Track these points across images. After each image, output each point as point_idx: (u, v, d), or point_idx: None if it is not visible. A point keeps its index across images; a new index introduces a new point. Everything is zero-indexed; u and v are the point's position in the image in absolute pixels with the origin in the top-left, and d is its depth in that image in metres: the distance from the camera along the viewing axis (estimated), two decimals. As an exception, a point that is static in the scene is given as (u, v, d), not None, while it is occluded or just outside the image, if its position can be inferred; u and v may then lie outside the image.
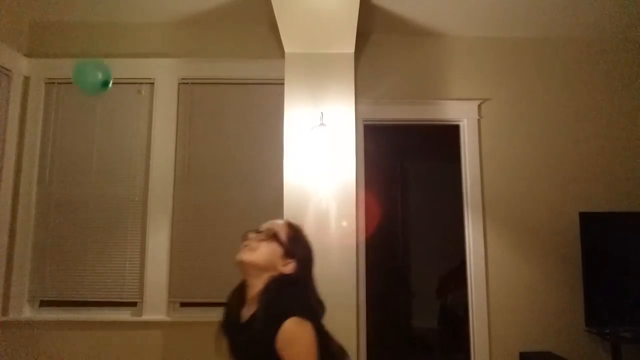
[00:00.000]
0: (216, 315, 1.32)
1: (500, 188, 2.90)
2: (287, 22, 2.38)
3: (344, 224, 2.49)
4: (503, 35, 3.04)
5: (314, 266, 1.30)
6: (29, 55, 2.92)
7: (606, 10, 2.74)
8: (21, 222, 2.77)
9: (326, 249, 2.45)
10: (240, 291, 1.27)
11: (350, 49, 2.61)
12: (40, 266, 2.76)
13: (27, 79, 2.89)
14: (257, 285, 1.20)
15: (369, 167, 2.94)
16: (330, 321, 2.53)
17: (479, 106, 2.97)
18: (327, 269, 2.44)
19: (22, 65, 2.87)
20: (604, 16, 2.80)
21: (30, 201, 2.80)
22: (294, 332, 1.07)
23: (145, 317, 2.69)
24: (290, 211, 2.48)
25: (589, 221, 2.68)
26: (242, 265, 1.22)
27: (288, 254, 1.23)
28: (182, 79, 2.93)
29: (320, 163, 2.51)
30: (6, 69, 2.75)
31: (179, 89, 2.92)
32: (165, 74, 2.92)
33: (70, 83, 2.89)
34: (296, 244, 1.27)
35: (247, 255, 1.21)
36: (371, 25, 2.93)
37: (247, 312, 1.21)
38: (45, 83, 2.91)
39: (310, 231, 2.44)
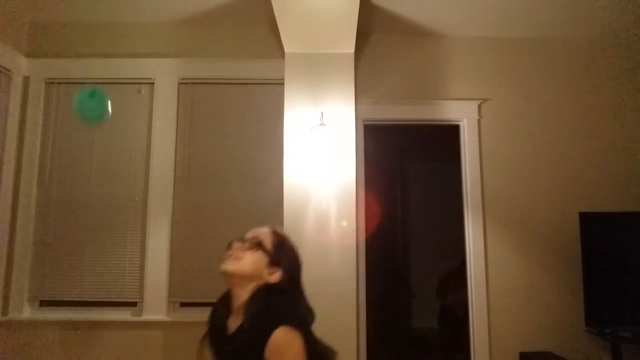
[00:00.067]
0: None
1: (500, 188, 2.90)
2: (287, 22, 2.38)
3: (344, 224, 2.49)
4: (503, 35, 3.04)
5: (301, 273, 1.27)
6: (29, 55, 2.92)
7: (606, 10, 2.74)
8: (21, 222, 2.77)
9: (326, 249, 2.46)
10: (225, 300, 1.25)
11: (350, 49, 2.61)
12: (40, 266, 2.76)
13: (27, 79, 2.89)
14: (242, 295, 1.18)
15: (369, 167, 2.94)
16: (330, 321, 2.53)
17: (479, 106, 2.97)
18: (327, 269, 2.45)
19: (22, 65, 2.87)
20: (604, 16, 2.80)
21: (30, 201, 2.80)
22: (283, 342, 1.06)
23: (145, 317, 2.69)
24: (290, 211, 2.48)
25: (589, 221, 2.68)
26: (227, 276, 1.20)
27: (273, 262, 1.21)
28: (182, 79, 2.93)
29: (320, 163, 2.51)
30: (6, 69, 2.75)
31: (179, 89, 2.92)
32: (165, 74, 2.92)
33: (70, 83, 2.92)
34: (281, 251, 1.25)
35: (232, 265, 1.19)
36: (371, 25, 2.93)
37: (233, 322, 1.19)
38: (45, 83, 2.91)
39: (310, 231, 2.47)
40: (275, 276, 1.20)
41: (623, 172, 2.93)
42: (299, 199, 2.50)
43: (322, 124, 2.49)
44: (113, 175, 2.85)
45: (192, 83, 2.94)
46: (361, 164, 2.86)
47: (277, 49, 2.88)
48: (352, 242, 2.49)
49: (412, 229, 5.44)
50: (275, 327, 1.07)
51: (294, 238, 2.37)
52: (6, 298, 2.70)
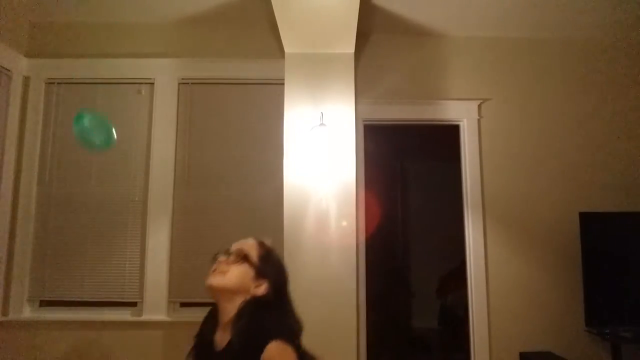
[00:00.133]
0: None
1: (500, 188, 2.90)
2: (287, 22, 2.38)
3: (344, 224, 2.49)
4: (503, 35, 3.04)
5: (287, 284, 1.25)
6: (29, 55, 2.92)
7: (606, 11, 2.74)
8: (21, 222, 2.77)
9: (326, 249, 2.46)
10: (213, 315, 1.23)
11: (350, 49, 2.61)
12: (40, 266, 2.76)
13: (27, 79, 2.89)
14: (230, 309, 1.16)
15: (369, 167, 2.94)
16: (330, 321, 2.53)
17: (479, 106, 2.97)
18: (327, 268, 2.45)
19: (22, 65, 2.87)
20: (604, 16, 2.80)
21: (30, 201, 2.80)
22: (278, 357, 1.05)
23: (145, 317, 2.69)
24: (290, 211, 2.48)
25: (589, 221, 2.68)
26: (213, 290, 1.18)
27: (260, 275, 1.19)
28: (182, 79, 2.93)
29: (320, 163, 2.51)
30: (6, 69, 2.75)
31: (179, 89, 2.92)
32: (165, 74, 2.92)
33: (70, 83, 2.92)
34: (267, 263, 1.22)
35: (217, 280, 1.17)
36: (371, 25, 2.93)
37: (221, 338, 1.17)
38: (45, 83, 2.91)
39: (310, 231, 2.47)
40: (262, 289, 1.18)
41: (623, 172, 2.93)
42: (299, 199, 2.50)
43: (322, 124, 2.49)
44: (113, 175, 2.85)
45: (192, 83, 2.94)
46: (361, 164, 2.86)
47: (277, 49, 2.88)
48: (352, 242, 2.49)
49: (412, 229, 5.44)
50: (267, 342, 1.05)
51: (293, 238, 2.37)
52: (6, 298, 2.70)
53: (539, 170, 2.92)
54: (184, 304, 2.76)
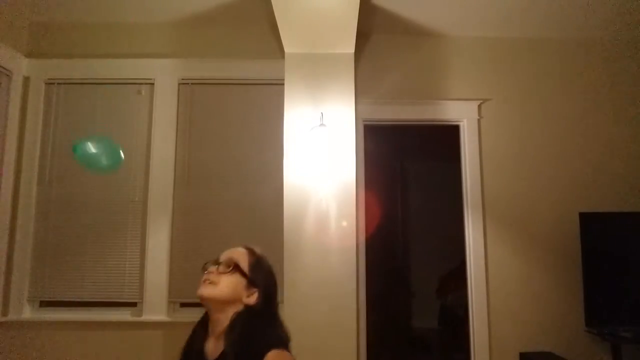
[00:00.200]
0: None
1: (500, 188, 2.90)
2: (287, 22, 2.38)
3: (344, 224, 2.48)
4: (503, 35, 3.04)
5: (277, 293, 1.24)
6: (29, 55, 2.92)
7: (606, 11, 2.74)
8: (21, 222, 2.77)
9: (326, 249, 2.45)
10: (203, 325, 1.22)
11: (350, 49, 2.60)
12: (40, 266, 2.76)
13: (27, 79, 2.89)
14: (222, 319, 1.15)
15: (369, 167, 2.94)
16: (330, 321, 2.53)
17: (479, 106, 2.97)
18: (327, 269, 2.45)
19: (22, 65, 2.87)
20: (604, 16, 2.80)
21: (30, 201, 2.80)
22: None
23: (145, 317, 2.69)
24: (290, 211, 2.48)
25: (589, 221, 2.68)
26: (204, 301, 1.17)
27: (251, 283, 1.18)
28: (182, 79, 2.93)
29: (320, 163, 2.51)
30: (6, 69, 2.75)
31: (179, 90, 2.92)
32: (165, 74, 2.92)
33: (70, 83, 2.92)
34: (258, 271, 1.21)
35: (209, 291, 1.15)
36: (371, 25, 2.93)
37: (213, 348, 1.15)
38: (45, 83, 2.91)
39: (310, 231, 2.47)
40: (253, 297, 1.17)
41: (623, 172, 2.93)
42: (299, 199, 2.50)
43: (322, 124, 2.49)
44: (113, 175, 2.84)
45: (192, 83, 2.93)
46: (361, 164, 2.86)
47: (277, 49, 2.88)
48: (352, 242, 2.49)
49: (412, 229, 5.44)
50: (264, 351, 1.04)
51: (293, 238, 2.37)
52: (6, 298, 2.70)
53: (539, 170, 2.92)
54: (184, 304, 2.76)
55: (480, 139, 2.95)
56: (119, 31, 2.97)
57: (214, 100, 2.93)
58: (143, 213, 2.81)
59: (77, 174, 2.84)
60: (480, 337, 2.76)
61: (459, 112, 2.97)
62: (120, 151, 1.98)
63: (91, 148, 1.95)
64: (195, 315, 1.30)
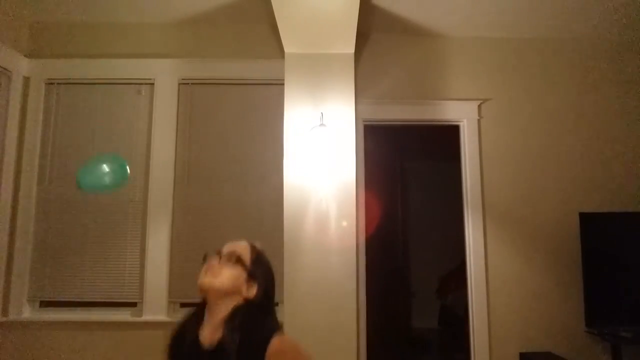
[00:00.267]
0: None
1: (500, 188, 2.90)
2: (287, 22, 2.38)
3: (344, 224, 2.49)
4: (503, 35, 3.04)
5: (274, 288, 1.27)
6: (29, 55, 2.92)
7: (607, 11, 2.73)
8: (21, 222, 2.77)
9: (326, 249, 2.46)
10: (197, 315, 1.22)
11: (350, 49, 2.60)
12: (40, 266, 2.76)
13: (27, 79, 2.89)
14: (221, 310, 1.16)
15: (369, 167, 2.93)
16: (330, 321, 2.53)
17: (479, 106, 2.97)
18: (327, 269, 2.45)
19: (22, 66, 2.87)
20: (604, 17, 2.80)
21: (30, 201, 2.80)
22: (288, 348, 1.09)
23: (145, 317, 2.69)
24: (290, 211, 2.48)
25: (589, 221, 2.68)
26: (206, 290, 1.18)
27: (251, 277, 1.20)
28: (182, 79, 2.93)
29: (320, 163, 2.51)
30: (6, 69, 2.75)
31: (179, 90, 2.92)
32: (165, 74, 2.92)
33: (70, 83, 2.92)
34: (259, 266, 1.24)
35: (211, 281, 1.17)
36: (371, 25, 2.93)
37: (210, 336, 1.15)
38: (45, 83, 2.91)
39: (310, 231, 2.47)
40: (253, 291, 1.19)
41: (623, 172, 2.93)
42: (299, 199, 2.50)
43: (322, 124, 2.49)
44: (113, 176, 2.84)
45: (192, 83, 2.94)
46: (361, 164, 2.86)
47: (277, 49, 2.88)
48: (352, 242, 2.49)
49: (412, 229, 5.45)
50: (269, 336, 1.08)
51: (293, 238, 2.38)
52: (6, 298, 2.70)
53: (539, 171, 2.92)
54: (184, 304, 2.75)
55: (480, 139, 2.95)
56: (119, 31, 2.97)
57: (214, 100, 2.93)
58: (143, 213, 2.81)
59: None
60: (480, 337, 2.76)
61: (459, 112, 2.97)
62: (126, 166, 1.98)
63: (92, 174, 1.95)
64: (195, 315, 1.30)
